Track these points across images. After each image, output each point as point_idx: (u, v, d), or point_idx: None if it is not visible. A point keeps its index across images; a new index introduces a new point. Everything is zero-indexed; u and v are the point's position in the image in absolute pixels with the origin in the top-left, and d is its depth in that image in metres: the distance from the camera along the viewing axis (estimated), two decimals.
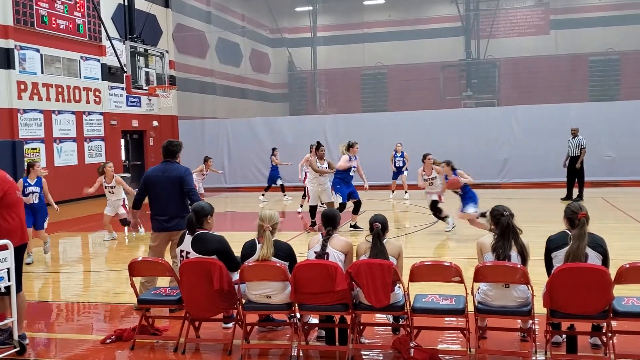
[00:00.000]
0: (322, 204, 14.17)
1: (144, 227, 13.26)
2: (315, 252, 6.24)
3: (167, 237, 7.96)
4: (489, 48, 32.20)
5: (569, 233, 5.81)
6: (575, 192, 17.98)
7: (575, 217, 5.77)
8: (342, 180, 13.58)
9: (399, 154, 20.23)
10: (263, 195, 20.18)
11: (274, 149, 20.55)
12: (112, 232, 13.69)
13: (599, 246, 5.75)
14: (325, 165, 14.01)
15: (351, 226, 13.62)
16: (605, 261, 5.74)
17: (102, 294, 9.31)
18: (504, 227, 5.90)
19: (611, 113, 22.36)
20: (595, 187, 20.08)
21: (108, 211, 13.59)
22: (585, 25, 31.00)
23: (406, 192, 19.82)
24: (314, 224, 13.93)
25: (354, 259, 6.23)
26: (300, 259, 6.29)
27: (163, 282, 7.98)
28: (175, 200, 7.90)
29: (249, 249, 6.32)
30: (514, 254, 5.83)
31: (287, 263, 6.20)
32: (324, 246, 6.22)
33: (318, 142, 14.42)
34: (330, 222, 6.40)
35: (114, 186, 13.43)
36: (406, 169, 20.06)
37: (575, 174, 17.92)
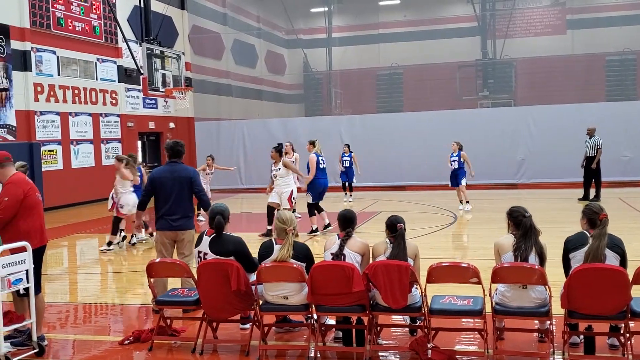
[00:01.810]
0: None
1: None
2: (332, 254, 6.24)
3: (173, 236, 7.97)
4: (505, 48, 32.06)
5: (587, 233, 5.80)
6: (592, 192, 17.86)
7: (596, 218, 5.77)
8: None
9: (455, 154, 16.96)
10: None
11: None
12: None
13: (617, 247, 5.73)
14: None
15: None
16: (623, 262, 5.72)
17: (120, 295, 9.38)
18: (526, 228, 5.89)
19: (628, 113, 22.19)
20: (612, 187, 19.93)
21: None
22: (601, 25, 30.80)
23: (467, 202, 16.90)
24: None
25: (371, 260, 6.23)
26: (316, 260, 6.30)
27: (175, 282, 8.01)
28: (184, 200, 7.95)
29: (267, 249, 6.34)
30: (532, 255, 5.82)
31: (304, 264, 6.21)
32: (341, 247, 6.22)
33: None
34: (348, 223, 6.39)
35: None
36: (469, 175, 16.90)
37: (592, 174, 17.80)
